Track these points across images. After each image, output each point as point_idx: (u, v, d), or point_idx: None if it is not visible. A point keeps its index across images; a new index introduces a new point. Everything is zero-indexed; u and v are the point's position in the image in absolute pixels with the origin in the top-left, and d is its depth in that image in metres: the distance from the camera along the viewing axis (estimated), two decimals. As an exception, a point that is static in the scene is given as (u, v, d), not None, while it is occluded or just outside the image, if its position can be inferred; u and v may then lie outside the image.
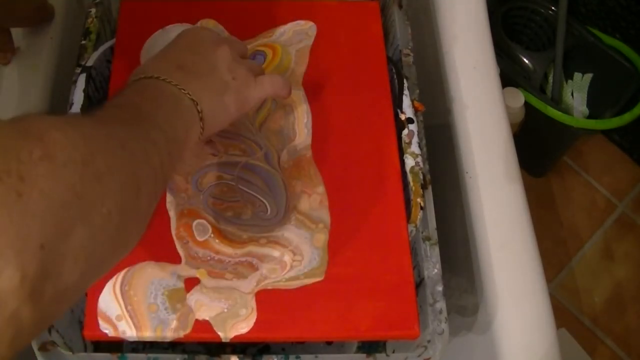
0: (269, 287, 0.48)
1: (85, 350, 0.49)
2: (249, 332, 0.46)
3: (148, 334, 0.46)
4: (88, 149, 0.30)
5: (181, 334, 0.46)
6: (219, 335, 0.46)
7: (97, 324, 0.46)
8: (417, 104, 0.58)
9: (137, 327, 0.46)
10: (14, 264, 0.25)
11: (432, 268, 0.51)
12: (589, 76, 1.23)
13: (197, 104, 0.43)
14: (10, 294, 0.25)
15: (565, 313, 1.23)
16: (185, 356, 0.47)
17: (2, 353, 0.26)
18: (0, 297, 0.25)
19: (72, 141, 0.30)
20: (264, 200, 0.52)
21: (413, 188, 0.53)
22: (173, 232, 0.50)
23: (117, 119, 0.37)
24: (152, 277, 0.48)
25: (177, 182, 0.52)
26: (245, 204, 0.51)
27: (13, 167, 0.26)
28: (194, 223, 0.50)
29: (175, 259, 0.49)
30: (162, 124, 0.39)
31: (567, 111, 1.17)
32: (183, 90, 0.42)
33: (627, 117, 1.14)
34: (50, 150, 0.28)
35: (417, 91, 0.59)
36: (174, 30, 0.59)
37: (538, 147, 1.26)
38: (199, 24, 0.60)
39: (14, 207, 0.26)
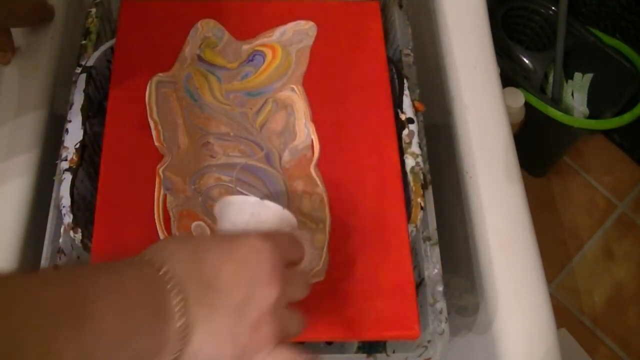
0: (269, 287, 0.48)
1: (85, 351, 0.49)
2: (249, 332, 0.46)
3: (148, 334, 0.46)
4: None
5: (181, 334, 0.46)
6: (219, 336, 0.46)
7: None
8: (417, 104, 0.58)
9: (137, 327, 0.46)
10: None
11: (433, 268, 0.51)
12: (589, 76, 1.23)
13: (184, 336, 0.34)
14: None
15: (565, 313, 1.23)
16: (186, 356, 0.47)
17: None
18: None
19: None
20: (264, 201, 0.51)
21: (413, 188, 0.53)
22: (174, 232, 0.50)
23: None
24: (152, 277, 0.48)
25: (176, 183, 0.52)
26: (245, 205, 0.51)
27: None
28: (193, 225, 0.50)
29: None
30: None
31: (567, 111, 1.17)
32: (178, 311, 0.33)
33: (627, 117, 1.14)
34: None
35: (418, 91, 0.59)
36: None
37: (538, 147, 1.26)
38: (199, 24, 0.60)
39: None
